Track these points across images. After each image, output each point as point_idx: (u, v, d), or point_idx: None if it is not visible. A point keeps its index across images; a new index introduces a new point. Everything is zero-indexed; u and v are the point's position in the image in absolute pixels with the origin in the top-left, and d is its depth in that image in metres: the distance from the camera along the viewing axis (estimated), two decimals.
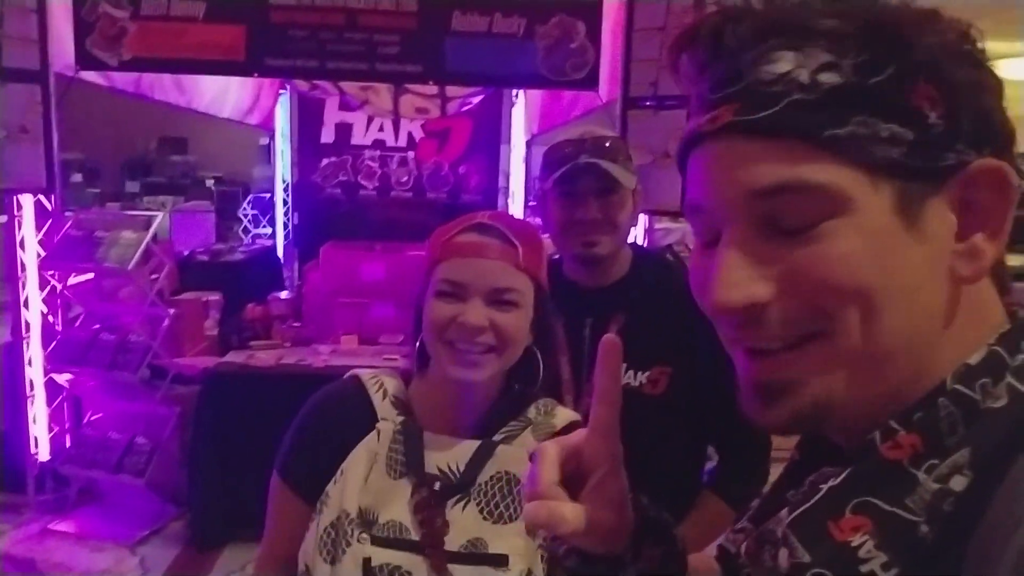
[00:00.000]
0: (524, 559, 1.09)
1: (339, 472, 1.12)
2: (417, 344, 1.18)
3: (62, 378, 3.96)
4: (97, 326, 3.97)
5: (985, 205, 0.49)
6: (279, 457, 1.21)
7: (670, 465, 1.59)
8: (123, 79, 4.33)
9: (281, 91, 6.37)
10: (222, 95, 5.40)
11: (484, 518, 1.10)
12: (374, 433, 1.13)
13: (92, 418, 4.06)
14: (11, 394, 3.89)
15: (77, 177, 8.61)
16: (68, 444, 4.00)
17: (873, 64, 0.47)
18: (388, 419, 1.15)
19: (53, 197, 3.90)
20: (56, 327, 3.98)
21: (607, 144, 1.54)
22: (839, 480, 0.49)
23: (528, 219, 6.96)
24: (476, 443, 1.14)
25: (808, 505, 0.49)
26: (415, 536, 1.09)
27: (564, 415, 1.22)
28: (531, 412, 1.19)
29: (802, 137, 0.47)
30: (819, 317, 0.49)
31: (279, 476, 1.20)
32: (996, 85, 0.51)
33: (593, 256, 1.54)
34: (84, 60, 3.89)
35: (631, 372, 1.55)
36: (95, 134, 8.10)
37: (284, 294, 4.61)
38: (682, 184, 0.55)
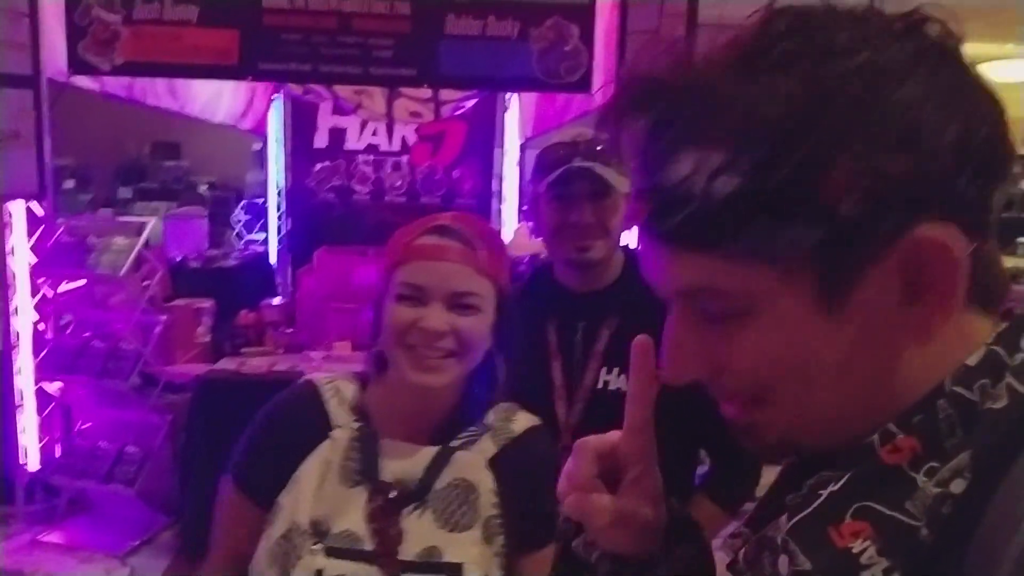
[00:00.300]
0: (479, 567, 1.08)
1: (291, 481, 1.09)
2: (375, 348, 1.16)
3: (52, 387, 3.92)
4: (88, 334, 3.93)
5: (930, 274, 0.47)
6: (232, 461, 1.19)
7: (662, 469, 1.57)
8: (116, 84, 4.31)
9: (274, 96, 6.35)
10: (215, 100, 5.38)
11: (439, 526, 1.08)
12: (328, 441, 1.11)
13: (82, 427, 4.02)
14: (0, 403, 3.85)
15: (69, 183, 8.57)
16: (58, 454, 3.96)
17: (773, 160, 0.45)
18: (343, 425, 1.13)
19: (45, 203, 3.87)
20: (46, 335, 3.95)
21: (601, 147, 1.52)
22: (839, 485, 0.48)
23: (522, 223, 6.95)
24: (434, 449, 1.12)
25: (808, 511, 0.49)
26: (369, 546, 1.06)
27: (524, 420, 1.21)
28: (490, 418, 1.18)
29: (700, 249, 0.48)
30: (759, 389, 0.51)
31: (233, 481, 1.17)
32: (968, 119, 0.46)
33: (586, 260, 1.53)
34: (76, 65, 3.87)
35: (623, 377, 1.54)
36: (87, 139, 8.06)
37: (277, 300, 4.58)
38: None
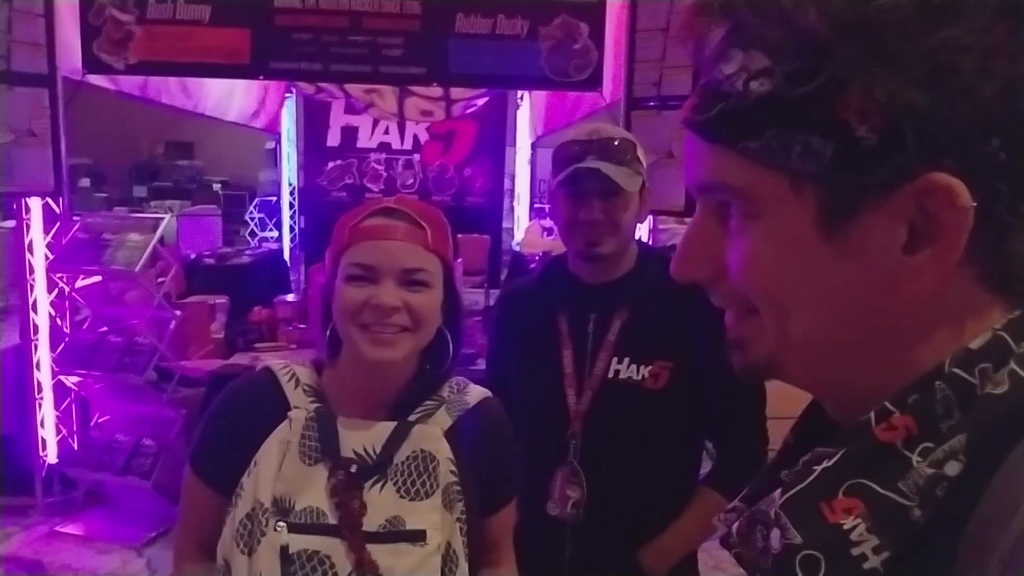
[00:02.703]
0: (441, 532, 1.12)
1: (252, 464, 1.12)
2: (328, 332, 1.19)
3: (70, 380, 3.98)
4: (104, 328, 3.99)
5: (934, 222, 0.46)
6: (191, 450, 1.22)
7: (670, 457, 1.61)
8: (129, 83, 4.36)
9: (287, 95, 6.40)
10: (227, 99, 5.43)
11: (401, 496, 1.11)
12: (286, 422, 1.14)
13: (99, 420, 4.08)
14: (19, 397, 3.91)
15: (85, 182, 8.66)
16: (75, 446, 4.01)
17: (804, 73, 0.46)
18: (301, 407, 1.16)
19: (61, 200, 3.92)
20: (64, 330, 4.00)
21: (616, 144, 1.54)
22: (832, 461, 0.48)
23: (533, 220, 6.96)
24: (392, 424, 1.15)
25: (801, 486, 0.49)
26: (333, 520, 1.09)
27: (476, 392, 1.24)
28: (444, 391, 1.21)
29: (725, 144, 0.50)
30: (747, 299, 0.53)
31: (191, 470, 1.20)
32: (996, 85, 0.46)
33: (596, 255, 1.56)
34: (91, 64, 3.91)
35: (633, 366, 1.56)
36: (102, 138, 8.14)
37: (290, 297, 4.63)
38: None
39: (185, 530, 1.23)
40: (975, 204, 0.45)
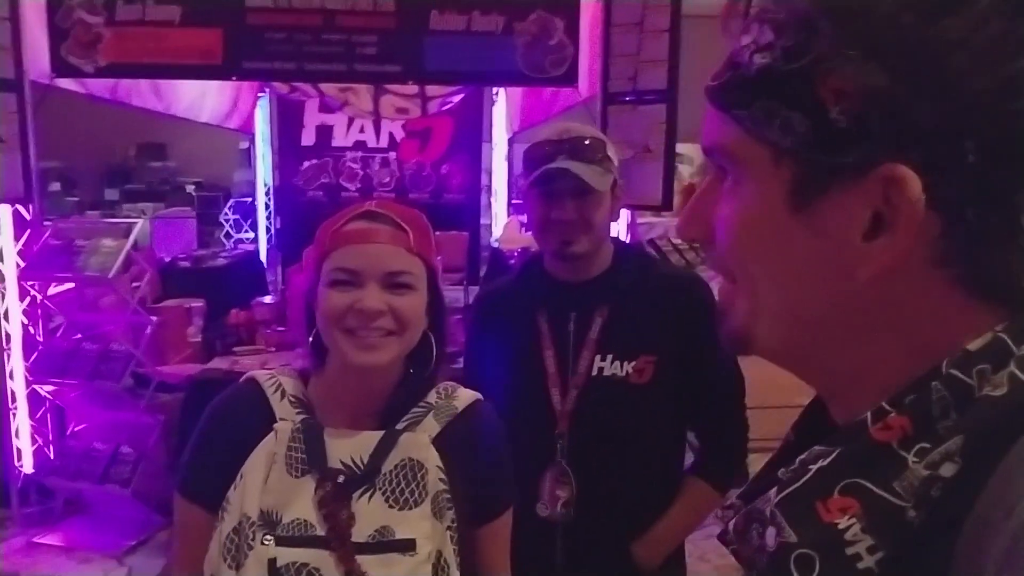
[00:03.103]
0: (431, 541, 1.10)
1: (239, 477, 1.11)
2: (311, 340, 1.17)
3: (45, 389, 3.92)
4: (79, 336, 3.93)
5: (895, 212, 0.47)
6: (179, 473, 1.20)
7: (657, 451, 1.63)
8: (100, 86, 4.29)
9: (260, 94, 6.34)
10: (200, 99, 5.37)
11: (390, 506, 1.10)
12: (272, 434, 1.12)
13: (76, 429, 4.02)
14: None
15: (55, 186, 8.53)
16: (52, 456, 3.96)
17: (796, 51, 0.48)
18: (287, 418, 1.14)
19: (31, 206, 3.86)
20: (37, 338, 3.94)
21: (586, 143, 1.55)
22: (828, 460, 0.49)
23: (511, 216, 6.95)
24: (379, 433, 1.13)
25: (797, 485, 0.49)
26: (321, 532, 1.08)
27: (465, 396, 1.23)
28: (432, 396, 1.20)
29: (722, 110, 0.53)
30: (727, 264, 0.55)
31: (180, 495, 1.18)
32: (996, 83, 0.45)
33: (570, 254, 1.57)
34: (60, 67, 3.86)
35: (617, 363, 1.57)
36: (73, 142, 8.02)
37: (268, 299, 4.59)
38: None
39: (183, 557, 1.20)
40: (935, 201, 0.46)
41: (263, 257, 6.96)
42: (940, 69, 0.45)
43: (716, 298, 0.59)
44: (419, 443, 1.13)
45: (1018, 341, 0.47)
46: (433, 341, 1.19)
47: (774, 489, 0.51)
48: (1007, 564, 0.42)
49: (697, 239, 0.58)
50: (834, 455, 0.49)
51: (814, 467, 0.49)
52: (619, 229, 3.89)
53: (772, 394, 1.95)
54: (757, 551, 0.51)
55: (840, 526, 0.46)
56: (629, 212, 4.00)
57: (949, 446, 0.46)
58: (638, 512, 1.60)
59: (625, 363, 1.56)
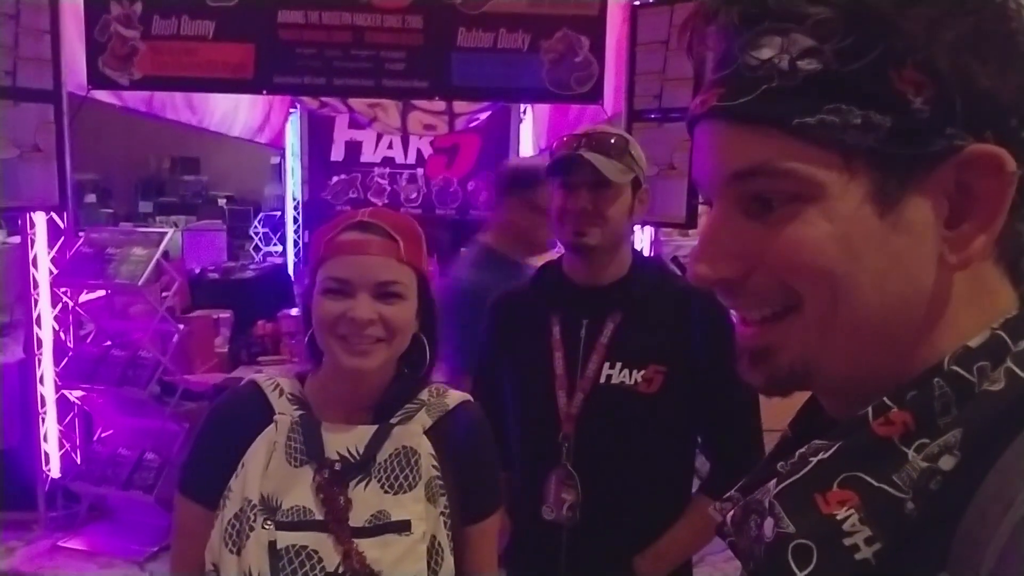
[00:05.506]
0: (425, 523, 1.14)
1: (240, 466, 1.14)
2: (307, 341, 1.22)
3: (73, 395, 3.98)
4: (108, 343, 4.00)
5: (978, 192, 0.47)
6: (181, 472, 1.24)
7: (664, 460, 1.61)
8: (135, 98, 4.39)
9: (291, 110, 6.43)
10: (233, 113, 5.45)
11: (385, 491, 1.14)
12: (272, 424, 1.16)
13: (102, 434, 4.08)
14: (23, 411, 3.91)
15: (91, 197, 8.70)
16: (78, 460, 4.01)
17: (855, 49, 0.47)
18: (286, 413, 1.19)
19: (66, 215, 3.94)
20: (67, 344, 4.01)
21: (610, 141, 1.57)
22: (829, 454, 0.49)
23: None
24: (374, 427, 1.18)
25: (796, 477, 0.49)
26: (320, 516, 1.12)
27: (455, 396, 1.27)
28: (424, 395, 1.24)
29: (774, 124, 0.49)
30: (790, 294, 0.51)
31: (181, 493, 1.22)
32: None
33: (583, 245, 1.57)
34: (96, 79, 3.95)
35: (626, 371, 1.57)
36: (108, 154, 8.20)
37: (294, 311, 4.62)
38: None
39: (179, 554, 1.23)
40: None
41: (290, 270, 7.03)
42: (1014, 44, 0.47)
43: (744, 340, 0.54)
44: (412, 432, 1.18)
45: (1015, 337, 0.48)
46: (426, 343, 1.24)
47: (773, 481, 0.51)
48: (1006, 557, 0.42)
49: (729, 280, 0.52)
50: (834, 449, 0.49)
51: (814, 460, 0.49)
52: (643, 245, 3.88)
53: (786, 418, 1.92)
54: (754, 542, 0.51)
55: (838, 517, 0.47)
56: (653, 229, 4.00)
57: (948, 439, 0.46)
58: (643, 521, 1.59)
59: (634, 371, 1.56)
